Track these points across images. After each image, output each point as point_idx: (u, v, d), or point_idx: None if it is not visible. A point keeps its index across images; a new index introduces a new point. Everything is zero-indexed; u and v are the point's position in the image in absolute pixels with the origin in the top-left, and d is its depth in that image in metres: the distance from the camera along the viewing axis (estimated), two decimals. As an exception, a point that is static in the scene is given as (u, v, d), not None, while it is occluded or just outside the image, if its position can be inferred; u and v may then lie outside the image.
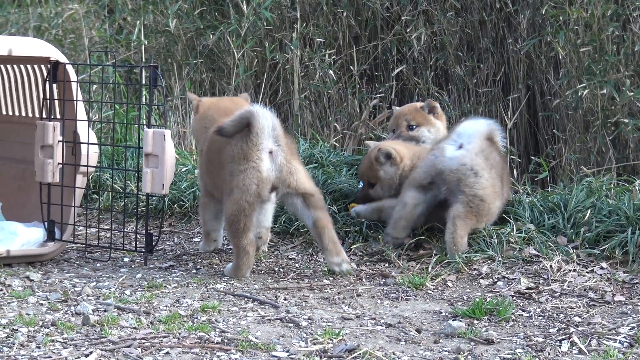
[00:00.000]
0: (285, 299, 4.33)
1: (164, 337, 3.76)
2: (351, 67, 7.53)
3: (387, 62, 7.61)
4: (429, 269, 4.66)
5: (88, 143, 5.00)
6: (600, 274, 4.48)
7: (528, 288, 4.37)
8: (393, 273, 4.68)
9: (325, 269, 4.76)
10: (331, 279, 4.65)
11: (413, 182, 4.95)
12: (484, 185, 4.76)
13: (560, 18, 6.74)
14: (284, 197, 4.72)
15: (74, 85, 4.99)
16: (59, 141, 5.00)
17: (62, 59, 5.03)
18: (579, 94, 6.57)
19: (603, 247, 4.65)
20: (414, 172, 5.01)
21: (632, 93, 6.38)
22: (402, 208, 4.92)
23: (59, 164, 5.00)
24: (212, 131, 4.81)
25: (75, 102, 5.00)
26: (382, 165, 5.16)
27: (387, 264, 4.83)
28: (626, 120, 6.45)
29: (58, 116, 5.07)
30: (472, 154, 4.79)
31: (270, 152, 4.58)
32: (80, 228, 5.33)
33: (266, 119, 4.56)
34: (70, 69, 5.03)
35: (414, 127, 5.51)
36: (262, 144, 4.56)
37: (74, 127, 5.02)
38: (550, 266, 4.53)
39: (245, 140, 4.56)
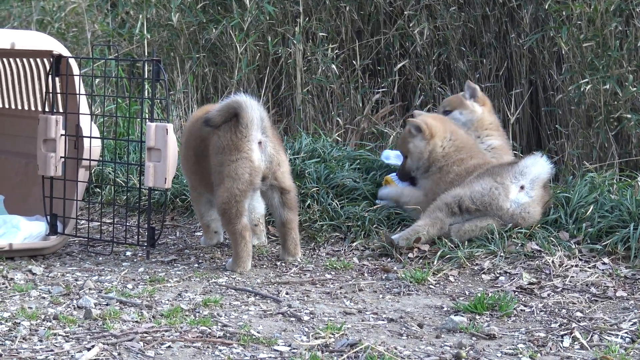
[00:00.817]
0: (287, 294, 4.33)
1: (166, 331, 3.76)
2: (354, 61, 7.52)
3: (389, 56, 7.61)
4: (431, 264, 4.66)
5: (90, 137, 5.00)
6: (602, 270, 4.48)
7: (530, 283, 4.37)
8: (395, 268, 4.68)
9: (327, 263, 4.76)
10: (333, 273, 4.65)
11: (449, 204, 4.88)
12: (531, 223, 4.83)
13: (563, 13, 6.73)
14: (266, 190, 4.75)
15: (76, 79, 4.99)
16: (62, 135, 5.00)
17: (65, 52, 5.03)
18: (582, 89, 6.56)
19: (605, 243, 4.65)
20: (451, 193, 4.92)
21: (634, 88, 6.37)
22: (425, 226, 4.86)
23: (61, 157, 5.00)
24: (189, 124, 4.85)
25: (77, 95, 5.00)
26: (413, 137, 5.25)
27: (389, 259, 4.83)
28: (629, 116, 6.44)
29: (61, 110, 5.07)
30: (535, 202, 4.85)
31: (260, 143, 4.64)
32: (83, 222, 5.33)
33: (254, 110, 4.61)
34: (72, 62, 5.03)
35: (448, 112, 5.71)
36: (251, 135, 4.62)
37: (76, 120, 5.02)
38: (552, 261, 4.53)
39: (234, 132, 4.61)
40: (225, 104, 4.64)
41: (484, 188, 4.85)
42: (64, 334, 3.72)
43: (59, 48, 5.02)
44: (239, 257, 4.65)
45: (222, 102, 4.68)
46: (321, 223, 5.24)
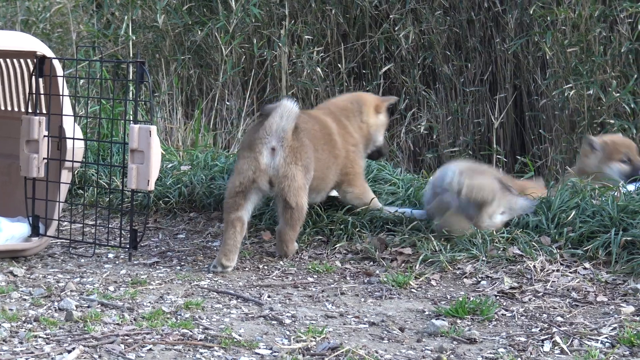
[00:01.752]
0: (269, 297, 4.33)
1: (147, 333, 3.75)
2: (339, 64, 7.54)
3: (375, 60, 7.63)
4: (413, 268, 4.66)
5: (74, 138, 4.99)
6: (584, 274, 4.50)
7: (511, 288, 4.38)
8: (377, 272, 4.68)
9: (310, 266, 4.76)
10: (315, 276, 4.65)
11: None
12: None
13: (548, 18, 6.77)
14: (274, 196, 4.84)
15: (60, 79, 4.98)
16: (45, 136, 4.99)
17: (49, 53, 5.02)
18: (566, 95, 6.60)
19: (586, 248, 4.67)
20: None
21: (618, 94, 6.41)
22: None
23: (44, 158, 4.99)
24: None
25: (61, 97, 4.98)
26: None
27: (371, 263, 4.84)
28: (612, 121, 6.48)
29: (44, 111, 5.06)
30: None
31: (273, 149, 4.73)
32: (65, 223, 5.32)
33: (279, 118, 4.72)
34: (56, 63, 5.02)
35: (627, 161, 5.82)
36: (266, 138, 4.72)
37: (59, 122, 5.00)
38: (534, 266, 4.55)
39: (256, 130, 4.77)
40: (278, 101, 4.84)
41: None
42: (45, 336, 3.71)
43: (42, 49, 5.00)
44: (224, 245, 4.70)
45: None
46: (304, 226, 5.24)
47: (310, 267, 4.77)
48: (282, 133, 4.71)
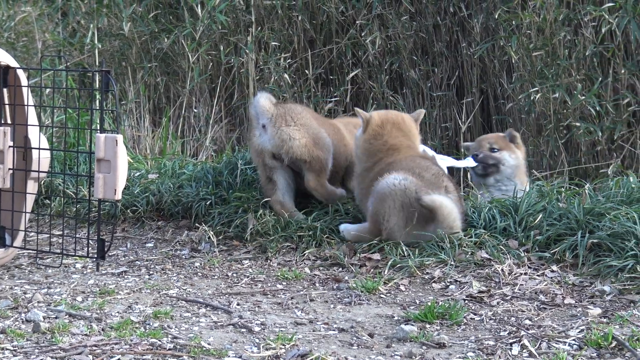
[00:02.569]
0: (238, 304, 4.32)
1: (116, 343, 3.73)
2: (306, 70, 7.54)
3: (342, 65, 7.64)
4: (382, 274, 4.67)
5: (39, 148, 4.96)
6: (551, 277, 4.53)
7: (480, 291, 4.40)
8: (346, 278, 4.69)
9: (279, 274, 4.76)
10: (284, 283, 4.65)
11: None
12: None
13: (513, 22, 6.81)
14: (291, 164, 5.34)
15: (24, 89, 4.95)
16: (10, 146, 4.95)
17: (13, 63, 4.98)
18: (532, 98, 6.63)
19: (553, 251, 4.70)
20: None
21: (583, 97, 6.45)
22: None
23: (9, 169, 4.95)
24: None
25: (26, 107, 4.95)
26: None
27: (340, 269, 4.84)
28: (578, 124, 6.52)
29: (9, 121, 5.02)
30: None
31: (263, 126, 5.29)
32: (32, 234, 5.28)
33: (256, 104, 5.30)
34: (21, 73, 4.98)
35: (496, 149, 5.96)
36: (255, 121, 5.32)
37: (25, 132, 4.97)
38: (502, 269, 4.57)
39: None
40: None
41: None
42: (12, 348, 3.68)
43: (6, 58, 4.97)
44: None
45: None
46: (273, 233, 5.24)
47: (279, 274, 4.77)
48: (264, 108, 5.24)
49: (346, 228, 5.07)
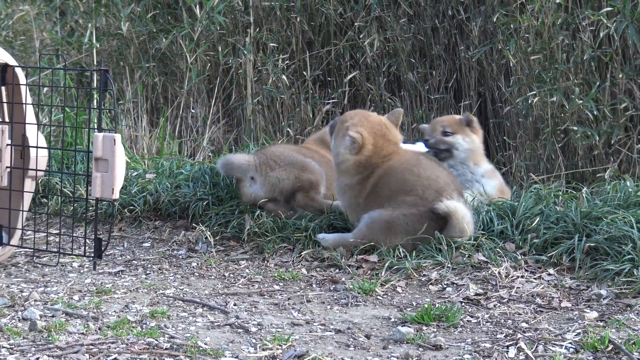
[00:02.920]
0: (235, 305, 4.32)
1: (112, 342, 3.73)
2: (304, 72, 7.55)
3: (340, 67, 7.64)
4: (379, 275, 4.67)
5: (37, 147, 4.96)
6: (548, 280, 4.53)
7: (476, 294, 4.40)
8: (343, 279, 4.69)
9: (276, 274, 4.76)
10: (281, 284, 4.65)
11: None
12: None
13: (512, 26, 6.82)
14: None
15: (23, 88, 4.94)
16: (8, 145, 4.95)
17: (11, 61, 4.98)
18: (529, 102, 6.64)
19: (550, 254, 4.71)
20: None
21: (581, 101, 6.46)
22: None
23: (7, 167, 4.95)
24: None
25: (24, 105, 4.95)
26: None
27: (337, 270, 4.84)
28: (575, 128, 6.53)
29: (7, 119, 5.02)
30: None
31: (252, 178, 5.50)
32: (29, 232, 5.28)
33: (232, 164, 5.57)
34: (19, 71, 4.98)
35: (449, 133, 5.65)
36: (236, 174, 5.59)
37: (22, 130, 4.97)
38: (499, 272, 4.57)
39: None
40: None
41: None
42: (8, 346, 3.68)
43: (4, 57, 4.96)
44: None
45: None
46: (270, 234, 5.24)
47: (276, 274, 4.77)
48: (243, 164, 5.49)
49: (324, 238, 5.07)
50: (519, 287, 4.46)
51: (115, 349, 3.66)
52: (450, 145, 5.66)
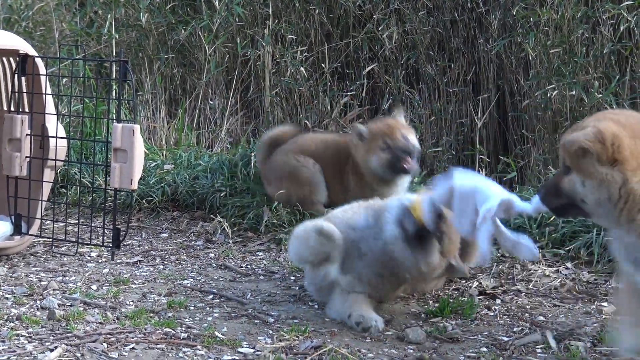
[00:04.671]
0: (251, 296, 4.33)
1: (130, 332, 3.75)
2: (322, 64, 7.54)
3: (358, 60, 7.62)
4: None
5: (57, 137, 4.98)
6: (565, 274, 4.52)
7: (494, 287, 4.39)
8: (360, 271, 4.68)
9: (293, 265, 4.77)
10: (299, 275, 4.65)
11: None
12: None
13: (531, 19, 6.78)
14: None
15: (42, 78, 4.96)
16: (27, 134, 4.97)
17: (31, 51, 5.00)
18: (548, 95, 6.61)
19: (568, 248, 4.69)
20: None
21: (600, 95, 6.43)
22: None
23: (26, 157, 4.97)
24: None
25: (44, 95, 4.97)
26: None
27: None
28: (594, 122, 6.48)
29: (27, 109, 5.04)
30: None
31: None
32: (48, 222, 5.30)
33: None
34: (39, 62, 5.00)
35: None
36: None
37: (42, 120, 4.99)
38: (516, 266, 4.56)
39: None
40: None
41: None
42: (27, 335, 3.70)
43: (25, 47, 4.98)
44: None
45: None
46: (287, 226, 5.24)
47: (293, 266, 4.77)
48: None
49: None
50: (537, 281, 4.45)
51: (133, 338, 3.68)
52: None
